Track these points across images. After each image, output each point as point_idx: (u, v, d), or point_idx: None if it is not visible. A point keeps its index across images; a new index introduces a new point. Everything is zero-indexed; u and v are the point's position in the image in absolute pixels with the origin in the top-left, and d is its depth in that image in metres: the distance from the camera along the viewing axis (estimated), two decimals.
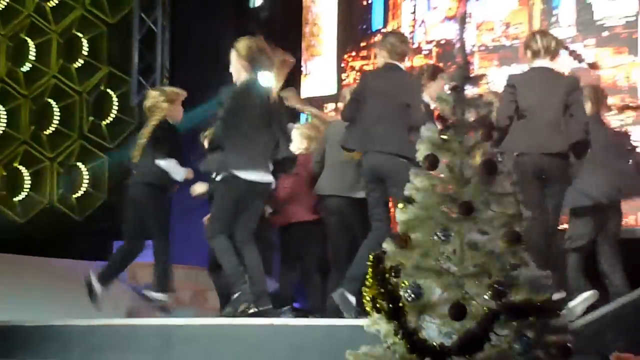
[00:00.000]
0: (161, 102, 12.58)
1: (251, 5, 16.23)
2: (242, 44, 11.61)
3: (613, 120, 12.51)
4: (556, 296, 8.69)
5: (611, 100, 12.25)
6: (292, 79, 15.52)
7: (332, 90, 15.78)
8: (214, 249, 11.74)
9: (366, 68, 15.67)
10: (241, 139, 11.18)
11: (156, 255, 12.94)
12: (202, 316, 13.06)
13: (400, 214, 7.63)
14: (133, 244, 12.85)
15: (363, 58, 15.72)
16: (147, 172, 12.41)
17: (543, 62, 10.54)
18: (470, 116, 7.74)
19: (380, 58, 11.43)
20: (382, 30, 15.65)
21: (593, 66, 11.54)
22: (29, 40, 17.81)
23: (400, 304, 7.48)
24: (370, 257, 7.48)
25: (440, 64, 14.19)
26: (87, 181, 17.34)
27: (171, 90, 12.95)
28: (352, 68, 15.79)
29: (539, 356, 7.54)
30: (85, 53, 17.40)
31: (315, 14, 16.16)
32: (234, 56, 11.59)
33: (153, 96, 12.71)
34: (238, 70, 11.49)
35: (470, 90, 7.91)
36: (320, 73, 15.99)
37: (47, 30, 17.70)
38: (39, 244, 15.64)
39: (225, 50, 15.42)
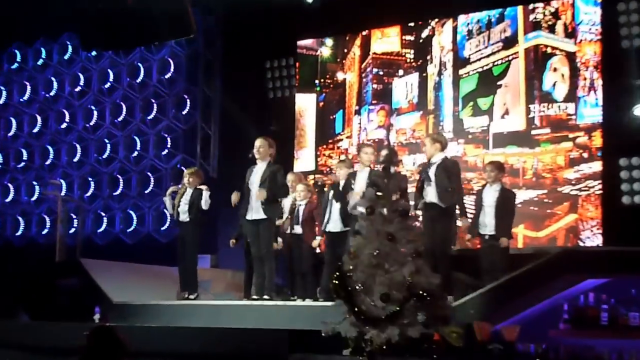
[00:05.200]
0: None
1: (272, 129, 16.09)
2: None
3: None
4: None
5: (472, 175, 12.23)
6: (290, 161, 15.53)
7: (312, 167, 15.71)
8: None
9: (332, 155, 15.64)
10: None
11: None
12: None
13: (353, 240, 7.66)
14: None
15: (330, 149, 15.68)
16: None
17: None
18: (393, 184, 7.76)
19: None
20: (340, 133, 15.69)
21: None
22: (136, 138, 17.68)
23: (352, 293, 7.49)
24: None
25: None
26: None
27: None
28: (324, 155, 15.73)
29: (431, 323, 7.53)
30: (169, 145, 17.26)
31: (302, 124, 16.12)
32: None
33: None
34: None
35: (393, 169, 7.93)
36: (306, 157, 15.92)
37: (146, 132, 17.58)
38: (140, 255, 15.42)
39: (248, 144, 15.45)
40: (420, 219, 10.71)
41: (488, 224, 11.15)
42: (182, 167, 16.73)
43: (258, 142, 11.56)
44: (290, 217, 12.18)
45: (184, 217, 12.54)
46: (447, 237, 10.92)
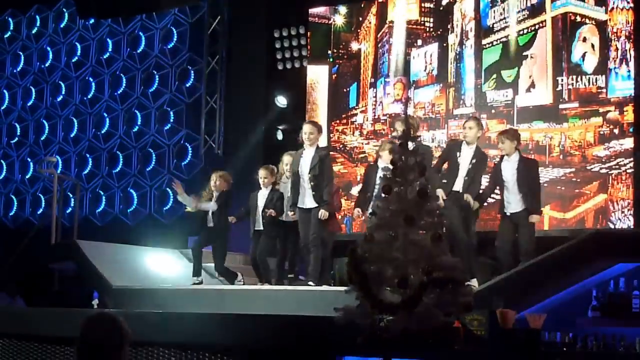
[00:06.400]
0: None
1: (278, 105, 16.15)
2: None
3: None
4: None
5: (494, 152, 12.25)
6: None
7: (324, 143, 15.64)
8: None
9: (346, 131, 15.64)
10: None
11: None
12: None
13: (368, 222, 7.68)
14: None
15: (344, 125, 15.65)
16: None
17: None
18: (411, 161, 7.74)
19: None
20: (354, 107, 15.67)
21: None
22: (137, 112, 17.73)
23: (367, 278, 7.49)
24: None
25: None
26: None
27: None
28: (337, 130, 15.71)
29: (451, 310, 7.54)
30: (172, 120, 17.30)
31: (314, 97, 16.10)
32: None
33: None
34: None
35: (410, 145, 7.91)
36: None
37: (148, 106, 17.63)
38: (141, 236, 15.47)
39: (258, 121, 15.46)
40: None
41: (512, 201, 11.00)
42: (186, 143, 16.79)
43: (308, 129, 11.78)
44: None
45: (210, 223, 12.58)
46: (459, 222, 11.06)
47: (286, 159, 12.37)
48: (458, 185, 11.11)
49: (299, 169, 11.69)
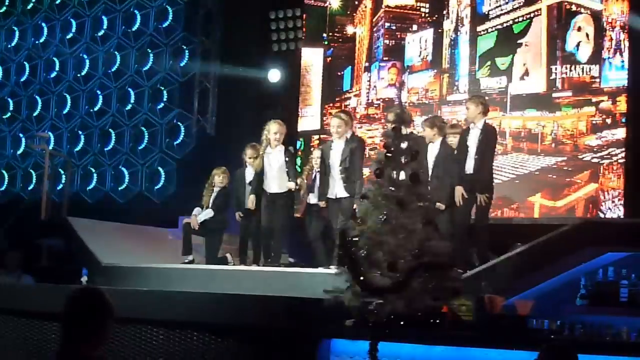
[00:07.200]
0: None
1: (270, 81, 16.06)
2: None
3: None
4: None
5: None
6: (294, 119, 15.49)
7: (317, 126, 15.69)
8: None
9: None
10: None
11: None
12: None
13: (359, 205, 7.67)
14: None
15: (337, 108, 15.57)
16: None
17: None
18: (404, 145, 7.72)
19: None
20: (348, 91, 15.62)
21: None
22: (130, 90, 17.64)
23: (357, 261, 7.47)
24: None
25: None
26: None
27: None
28: (330, 114, 15.63)
29: (440, 295, 7.53)
30: (165, 99, 17.22)
31: (308, 79, 16.06)
32: None
33: None
34: None
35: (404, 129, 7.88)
36: (310, 116, 15.87)
37: (141, 84, 17.54)
38: (132, 215, 15.40)
39: (249, 100, 15.35)
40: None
41: None
42: (178, 122, 16.72)
43: (336, 122, 11.70)
44: (307, 184, 12.19)
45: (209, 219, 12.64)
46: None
47: (273, 127, 12.19)
48: (469, 167, 10.99)
49: (329, 160, 11.64)
